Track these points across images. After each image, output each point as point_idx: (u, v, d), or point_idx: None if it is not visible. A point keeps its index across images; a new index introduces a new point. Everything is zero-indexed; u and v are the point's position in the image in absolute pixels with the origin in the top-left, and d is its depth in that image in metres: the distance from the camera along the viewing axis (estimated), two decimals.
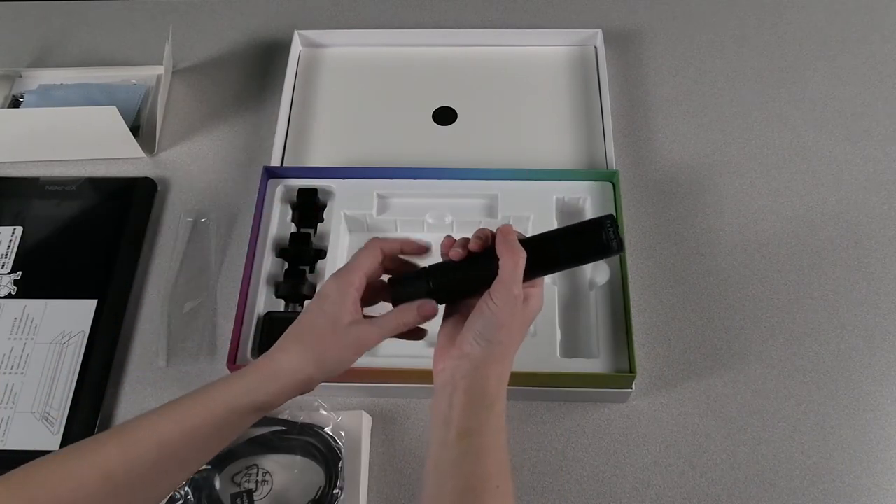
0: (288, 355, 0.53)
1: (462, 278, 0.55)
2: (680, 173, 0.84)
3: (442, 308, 0.56)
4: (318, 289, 0.58)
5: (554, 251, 0.55)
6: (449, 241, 0.56)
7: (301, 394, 0.54)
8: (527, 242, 0.54)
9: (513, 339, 0.54)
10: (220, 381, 0.52)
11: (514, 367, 0.67)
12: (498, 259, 0.53)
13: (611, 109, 0.85)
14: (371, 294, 0.56)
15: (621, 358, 0.69)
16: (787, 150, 0.86)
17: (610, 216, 0.55)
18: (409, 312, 0.55)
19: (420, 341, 0.70)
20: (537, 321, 0.70)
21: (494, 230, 0.55)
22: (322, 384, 0.68)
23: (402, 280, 0.57)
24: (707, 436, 0.69)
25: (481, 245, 0.55)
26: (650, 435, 0.69)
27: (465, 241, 0.56)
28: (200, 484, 0.63)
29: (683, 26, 0.97)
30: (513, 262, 0.52)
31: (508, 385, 0.54)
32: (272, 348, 0.54)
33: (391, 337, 0.55)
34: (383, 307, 0.56)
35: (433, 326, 0.57)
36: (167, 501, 0.63)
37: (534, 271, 0.54)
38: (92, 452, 0.48)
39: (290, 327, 0.54)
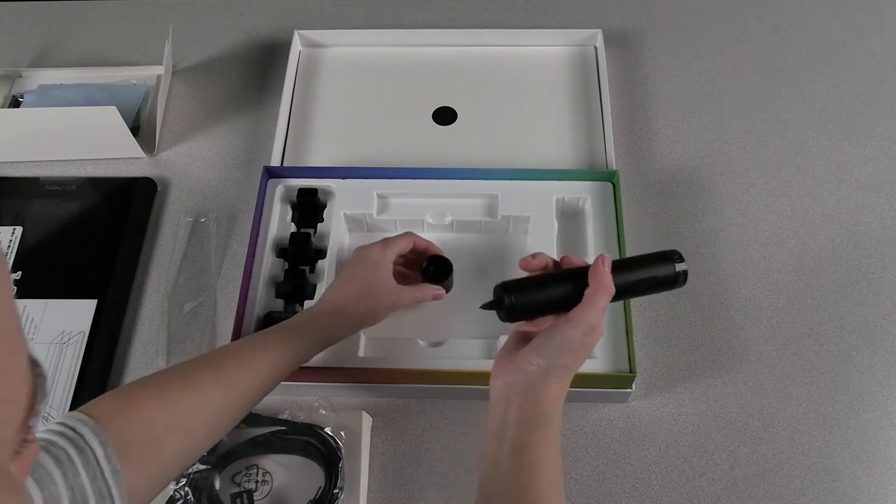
0: (337, 289, 0.66)
1: (543, 300, 0.56)
2: (680, 173, 0.84)
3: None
4: (357, 252, 0.69)
5: (624, 282, 0.56)
6: (527, 262, 0.58)
7: (352, 331, 0.66)
8: None
9: (577, 364, 0.54)
10: (305, 319, 0.64)
11: None
12: (578, 284, 0.54)
13: (611, 109, 0.85)
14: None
15: (621, 358, 0.69)
16: (787, 150, 0.86)
17: (677, 252, 0.58)
18: (428, 291, 0.69)
19: (419, 341, 0.70)
20: None
21: (555, 257, 0.59)
22: (320, 384, 0.69)
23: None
24: (707, 436, 0.69)
25: (561, 267, 0.58)
26: (650, 435, 0.69)
27: (545, 262, 0.58)
28: (200, 484, 0.63)
29: (683, 26, 0.97)
30: (604, 294, 0.54)
31: None
32: (326, 293, 0.67)
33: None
34: None
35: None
36: (167, 501, 0.63)
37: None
38: (215, 370, 0.56)
39: (335, 280, 0.68)
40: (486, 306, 0.56)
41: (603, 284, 0.54)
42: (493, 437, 0.53)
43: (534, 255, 0.58)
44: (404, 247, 0.69)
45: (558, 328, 0.53)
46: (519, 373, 0.53)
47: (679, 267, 0.57)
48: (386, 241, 0.68)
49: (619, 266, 0.56)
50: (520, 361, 0.54)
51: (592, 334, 0.53)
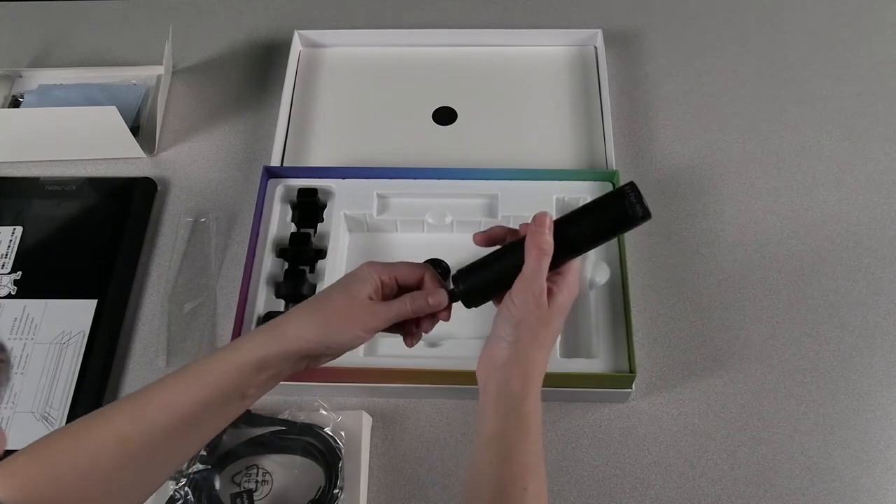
0: (294, 318, 0.53)
1: (490, 280, 0.55)
2: (680, 173, 0.84)
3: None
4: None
5: (577, 233, 0.53)
6: (475, 236, 0.56)
7: (308, 366, 0.54)
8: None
9: (535, 336, 0.53)
10: (230, 344, 0.53)
11: None
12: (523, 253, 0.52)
13: (611, 109, 0.85)
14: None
15: (621, 358, 0.69)
16: (787, 150, 0.86)
17: (630, 184, 0.52)
18: (419, 299, 0.55)
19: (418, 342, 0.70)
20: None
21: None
22: (320, 384, 0.69)
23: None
24: (707, 436, 0.69)
25: (503, 235, 0.56)
26: (650, 435, 0.69)
27: (500, 232, 0.56)
28: (200, 484, 0.63)
29: (683, 26, 0.97)
30: (535, 258, 0.52)
31: None
32: (284, 313, 0.55)
33: (395, 333, 0.56)
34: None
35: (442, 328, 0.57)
36: (167, 501, 0.63)
37: (559, 257, 0.53)
38: (107, 419, 0.49)
39: (310, 298, 0.55)
40: (450, 299, 0.55)
41: (536, 247, 0.52)
42: (477, 430, 0.53)
43: (486, 230, 0.56)
44: (406, 274, 0.56)
45: (503, 303, 0.53)
46: (491, 362, 0.53)
47: (632, 198, 0.52)
48: (385, 263, 0.57)
49: (566, 220, 0.54)
50: (491, 351, 0.53)
51: (538, 301, 0.52)
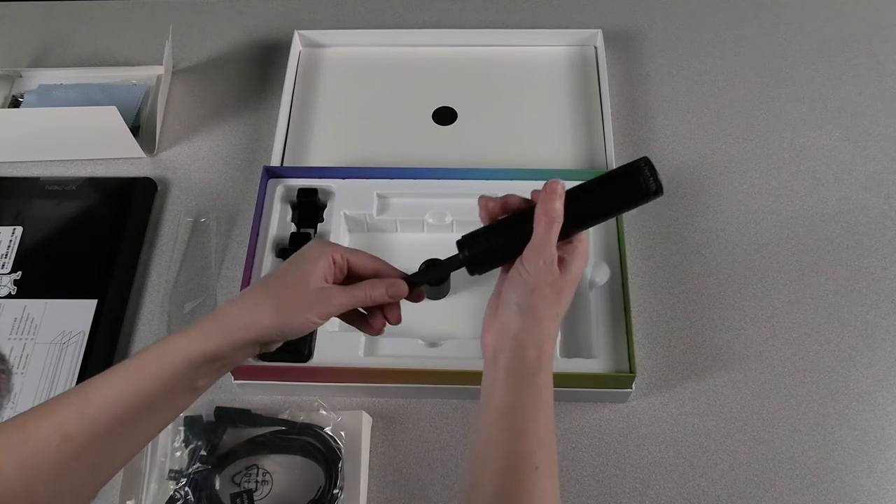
0: (245, 305, 0.51)
1: (497, 246, 0.54)
2: (680, 173, 0.84)
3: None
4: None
5: (590, 203, 0.53)
6: (485, 200, 0.55)
7: (259, 351, 0.52)
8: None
9: (548, 303, 0.51)
10: (176, 333, 0.51)
11: None
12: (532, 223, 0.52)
13: (611, 109, 0.85)
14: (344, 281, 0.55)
15: (621, 358, 0.69)
16: (787, 150, 0.86)
17: (645, 158, 0.52)
18: (378, 287, 0.54)
19: (419, 341, 0.70)
20: None
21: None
22: (320, 384, 0.69)
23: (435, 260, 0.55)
24: (707, 436, 0.69)
25: (517, 205, 0.54)
26: (650, 435, 0.69)
27: (505, 199, 0.55)
28: (200, 484, 0.63)
29: (683, 26, 0.97)
30: (545, 225, 0.51)
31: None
32: (235, 296, 0.52)
33: (350, 322, 0.56)
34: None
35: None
36: (167, 501, 0.63)
37: (569, 227, 0.52)
38: (51, 413, 0.47)
39: (260, 278, 0.52)
40: (452, 266, 0.55)
41: (546, 214, 0.51)
42: (484, 400, 0.51)
43: (499, 197, 0.55)
44: (354, 256, 0.55)
45: (515, 270, 0.52)
46: (501, 328, 0.52)
47: (646, 172, 0.51)
48: (332, 242, 0.56)
49: (578, 191, 0.53)
50: (500, 318, 0.52)
51: (550, 268, 0.51)
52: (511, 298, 0.52)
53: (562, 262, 0.52)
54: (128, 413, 0.48)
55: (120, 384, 0.48)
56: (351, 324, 0.56)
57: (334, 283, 0.54)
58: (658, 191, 0.52)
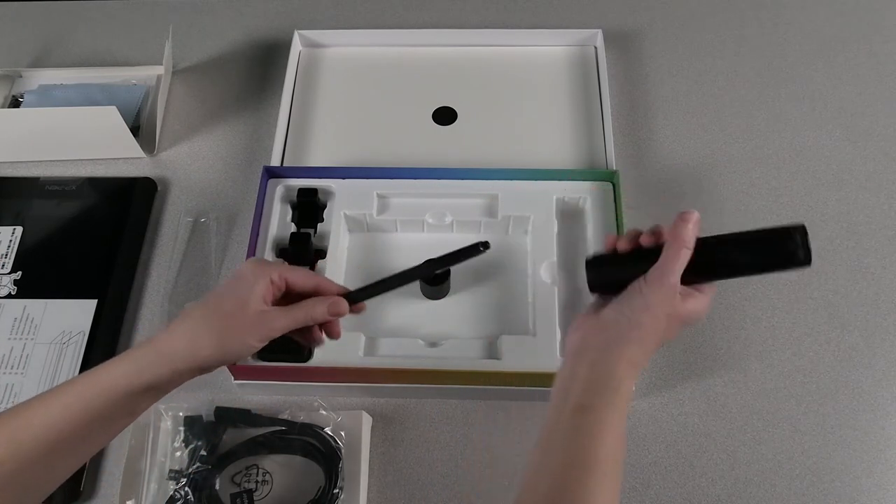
0: (184, 336, 0.51)
1: (620, 272, 0.54)
2: (680, 173, 0.84)
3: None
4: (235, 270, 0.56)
5: (729, 254, 0.52)
6: (612, 238, 0.56)
7: (198, 375, 0.53)
8: (702, 241, 0.52)
9: (656, 328, 0.51)
10: (112, 362, 0.51)
11: (514, 367, 0.67)
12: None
13: (611, 109, 0.85)
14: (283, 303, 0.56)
15: None
16: (787, 150, 0.86)
17: (801, 227, 0.50)
18: (319, 306, 0.54)
19: (419, 341, 0.70)
20: (536, 321, 0.70)
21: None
22: (320, 384, 0.69)
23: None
24: (707, 436, 0.69)
25: (653, 241, 0.54)
26: (650, 435, 0.69)
27: (636, 234, 0.55)
28: (200, 484, 0.63)
29: (683, 26, 0.97)
30: (675, 250, 0.51)
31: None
32: (170, 325, 0.52)
33: (296, 337, 0.56)
34: None
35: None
36: (167, 501, 0.63)
37: (699, 272, 0.52)
38: None
39: (195, 304, 0.53)
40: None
41: (677, 238, 0.50)
42: (559, 391, 0.50)
43: (623, 236, 0.55)
44: (293, 275, 0.56)
45: (637, 283, 0.51)
46: (598, 329, 0.51)
47: (797, 240, 0.50)
48: (269, 261, 0.57)
49: (720, 238, 0.53)
50: (602, 318, 0.52)
51: (671, 295, 0.50)
52: (622, 309, 0.51)
53: (683, 300, 0.52)
54: (59, 439, 0.48)
55: (58, 412, 0.48)
56: (291, 336, 0.57)
57: (273, 303, 0.54)
58: (806, 261, 0.50)
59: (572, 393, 0.49)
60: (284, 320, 0.53)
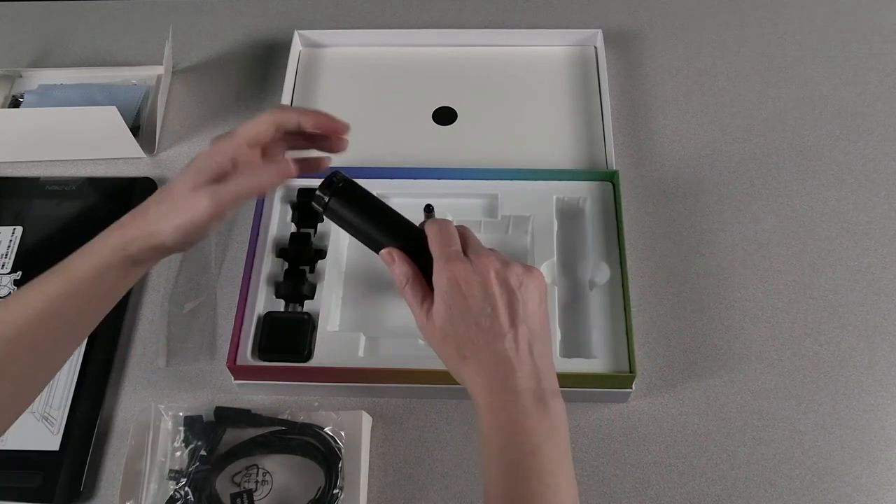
0: (152, 217, 0.54)
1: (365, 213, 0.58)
2: (680, 173, 0.84)
3: None
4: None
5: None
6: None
7: (172, 252, 0.56)
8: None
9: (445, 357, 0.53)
10: (99, 237, 0.54)
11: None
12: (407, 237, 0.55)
13: (611, 109, 0.85)
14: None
15: (621, 358, 0.69)
16: (787, 150, 0.86)
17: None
18: (264, 174, 0.56)
19: (419, 341, 0.70)
20: None
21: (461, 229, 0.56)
22: (320, 384, 0.69)
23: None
24: (707, 436, 0.69)
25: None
26: (650, 435, 0.69)
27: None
28: (200, 484, 0.63)
29: (683, 26, 0.97)
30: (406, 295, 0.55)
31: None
32: (143, 204, 0.55)
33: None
34: None
35: None
36: (167, 501, 0.63)
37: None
38: None
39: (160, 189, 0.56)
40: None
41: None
42: None
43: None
44: (252, 136, 0.57)
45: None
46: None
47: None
48: (226, 137, 0.56)
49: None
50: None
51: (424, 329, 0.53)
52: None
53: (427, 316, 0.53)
54: (57, 312, 0.52)
55: (50, 282, 0.53)
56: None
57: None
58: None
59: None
60: (226, 195, 0.54)
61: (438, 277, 0.51)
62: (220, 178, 0.54)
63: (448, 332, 0.51)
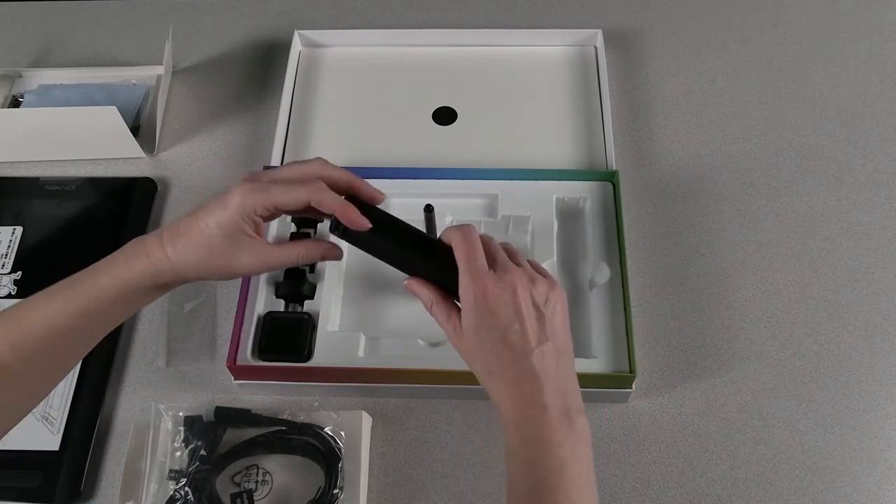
0: (183, 256, 0.53)
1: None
2: (680, 173, 0.84)
3: None
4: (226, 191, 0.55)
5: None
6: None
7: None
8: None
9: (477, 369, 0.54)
10: (125, 258, 0.54)
11: None
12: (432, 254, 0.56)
13: (611, 109, 0.85)
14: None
15: (621, 358, 0.69)
16: (787, 150, 0.86)
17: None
18: (315, 250, 0.58)
19: (419, 341, 0.70)
20: None
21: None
22: (320, 384, 0.69)
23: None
24: (707, 436, 0.69)
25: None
26: (650, 435, 0.69)
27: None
28: (200, 484, 0.63)
29: (683, 26, 0.97)
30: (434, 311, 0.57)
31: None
32: (162, 231, 0.54)
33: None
34: None
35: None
36: (167, 501, 0.63)
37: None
38: None
39: (184, 218, 0.54)
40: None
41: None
42: None
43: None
44: (288, 202, 0.55)
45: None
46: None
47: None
48: (267, 187, 0.54)
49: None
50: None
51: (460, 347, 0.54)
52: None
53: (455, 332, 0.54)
54: (59, 336, 0.51)
55: (53, 309, 0.52)
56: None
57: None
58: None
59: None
60: (280, 260, 0.57)
61: (465, 293, 0.52)
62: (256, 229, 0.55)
63: (475, 346, 0.52)
